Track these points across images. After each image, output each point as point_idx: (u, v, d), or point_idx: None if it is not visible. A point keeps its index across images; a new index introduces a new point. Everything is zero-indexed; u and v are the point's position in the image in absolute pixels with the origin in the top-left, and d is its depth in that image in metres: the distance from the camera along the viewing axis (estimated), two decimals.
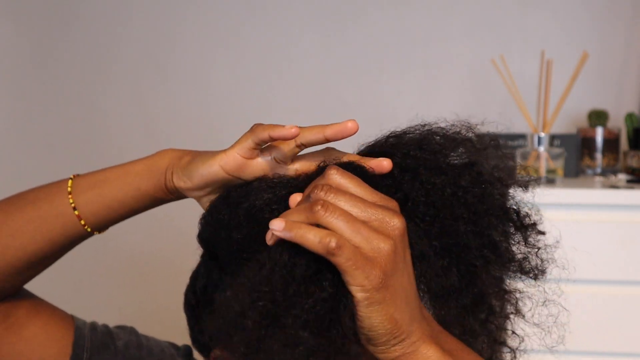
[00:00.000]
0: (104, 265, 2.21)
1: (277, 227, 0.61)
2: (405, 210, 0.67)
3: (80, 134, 2.29)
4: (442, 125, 0.75)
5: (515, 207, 0.75)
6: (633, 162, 1.90)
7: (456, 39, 2.16)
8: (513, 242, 0.75)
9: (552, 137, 1.88)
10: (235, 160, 0.73)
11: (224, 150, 0.74)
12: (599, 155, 1.98)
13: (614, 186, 1.75)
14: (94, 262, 2.14)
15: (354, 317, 0.62)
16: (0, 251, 0.80)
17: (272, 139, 0.71)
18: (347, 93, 2.19)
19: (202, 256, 0.85)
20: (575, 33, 2.12)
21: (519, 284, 0.76)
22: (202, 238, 0.76)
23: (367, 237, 0.60)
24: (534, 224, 0.76)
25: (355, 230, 0.60)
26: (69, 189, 0.80)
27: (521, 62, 2.03)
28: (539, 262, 0.75)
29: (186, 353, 0.94)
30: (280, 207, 0.68)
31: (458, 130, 0.75)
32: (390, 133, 0.75)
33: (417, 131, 0.74)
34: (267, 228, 0.63)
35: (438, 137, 0.74)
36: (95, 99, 2.28)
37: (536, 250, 0.75)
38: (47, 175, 2.26)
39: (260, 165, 0.73)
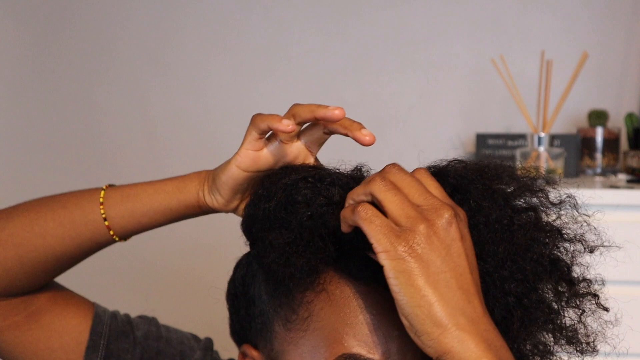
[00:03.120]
0: (111, 265, 2.21)
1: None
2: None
3: (80, 134, 2.29)
4: (518, 169, 0.76)
5: (568, 264, 0.73)
6: (633, 162, 1.90)
7: (456, 39, 2.16)
8: (564, 305, 0.73)
9: (552, 137, 1.88)
10: (247, 156, 0.76)
11: (237, 152, 0.77)
12: (599, 155, 1.98)
13: (614, 186, 1.75)
14: (102, 262, 2.13)
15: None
16: (30, 250, 0.83)
17: (272, 130, 0.75)
18: (347, 93, 2.19)
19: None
20: (575, 33, 2.11)
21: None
22: (244, 223, 0.77)
23: (409, 214, 0.62)
24: (594, 295, 0.74)
25: (399, 204, 0.62)
26: (101, 199, 0.83)
27: (521, 62, 2.03)
28: (588, 337, 0.74)
29: (206, 346, 0.94)
30: (316, 182, 0.71)
31: (533, 177, 0.75)
32: (457, 159, 0.75)
33: (491, 164, 0.75)
34: (300, 201, 0.69)
35: (507, 176, 0.74)
36: (94, 99, 2.28)
37: (584, 322, 0.74)
38: (47, 175, 2.27)
39: (270, 152, 0.77)
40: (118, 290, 2.23)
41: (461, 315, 0.61)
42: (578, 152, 1.95)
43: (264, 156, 0.77)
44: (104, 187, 0.85)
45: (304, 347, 0.71)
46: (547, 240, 0.72)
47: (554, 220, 0.74)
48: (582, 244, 0.74)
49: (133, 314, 0.95)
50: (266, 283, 0.76)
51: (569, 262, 0.74)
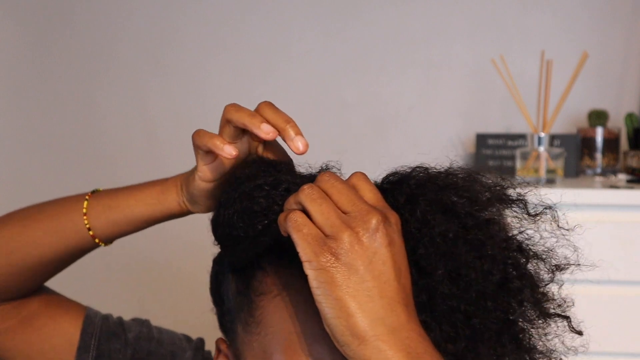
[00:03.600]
0: (105, 265, 2.21)
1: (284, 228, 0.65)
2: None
3: (80, 134, 2.29)
4: (489, 175, 0.74)
5: (525, 283, 0.71)
6: (633, 162, 1.90)
7: (456, 39, 2.16)
8: (527, 325, 0.72)
9: (552, 137, 1.88)
10: (205, 170, 0.79)
11: (195, 167, 0.80)
12: (599, 155, 1.98)
13: (614, 186, 1.75)
14: (96, 261, 2.13)
15: None
16: (21, 258, 0.87)
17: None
18: (347, 93, 2.19)
19: None
20: (575, 33, 2.11)
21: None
22: (211, 220, 0.79)
23: (333, 223, 0.62)
24: (565, 317, 0.74)
25: (324, 213, 0.62)
26: (84, 210, 0.87)
27: (521, 62, 2.03)
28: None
29: (197, 346, 0.95)
30: (271, 189, 0.71)
31: (511, 186, 0.74)
32: (423, 165, 0.74)
33: (457, 172, 0.74)
34: (256, 210, 0.70)
35: (477, 185, 0.73)
36: (94, 99, 2.28)
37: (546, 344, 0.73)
38: (47, 175, 2.27)
39: (222, 161, 0.78)
40: (114, 288, 2.23)
41: (381, 325, 0.60)
42: (578, 152, 1.95)
43: (220, 163, 0.79)
44: (87, 197, 0.87)
45: (256, 350, 0.72)
46: (501, 256, 0.70)
47: (522, 232, 0.73)
48: (544, 262, 0.73)
49: (129, 310, 0.96)
50: (232, 283, 0.78)
51: (531, 280, 0.72)
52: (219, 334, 0.83)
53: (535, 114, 1.87)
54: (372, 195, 0.65)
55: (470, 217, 0.70)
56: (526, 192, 0.74)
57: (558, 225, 0.74)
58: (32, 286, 0.90)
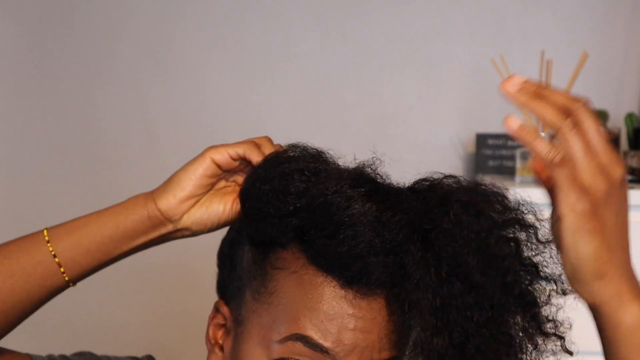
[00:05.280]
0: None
1: (513, 85, 0.65)
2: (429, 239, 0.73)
3: (80, 134, 2.29)
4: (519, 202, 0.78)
5: (537, 301, 0.75)
6: (633, 162, 1.90)
7: (456, 39, 2.16)
8: (526, 341, 0.75)
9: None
10: (224, 153, 0.80)
11: (205, 154, 0.81)
12: None
13: None
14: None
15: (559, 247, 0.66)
16: None
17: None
18: (347, 93, 2.19)
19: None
20: (575, 33, 2.11)
21: None
22: (241, 193, 0.80)
23: (593, 169, 0.64)
24: (559, 337, 0.76)
25: (588, 158, 0.64)
26: (47, 237, 0.81)
27: (521, 62, 2.03)
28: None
29: None
30: (311, 176, 0.75)
31: (523, 211, 0.77)
32: (452, 175, 0.79)
33: (486, 187, 0.77)
34: (292, 192, 0.74)
35: (499, 204, 0.76)
36: (94, 99, 2.28)
37: None
38: (46, 175, 2.27)
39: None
40: (112, 287, 2.23)
41: (625, 272, 0.66)
42: None
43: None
44: (44, 229, 0.83)
45: (264, 318, 0.77)
46: (522, 272, 0.74)
47: (534, 256, 0.76)
48: (556, 284, 0.76)
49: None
50: (249, 253, 0.81)
51: (541, 299, 0.75)
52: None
53: None
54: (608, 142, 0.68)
55: (498, 228, 0.74)
56: (542, 220, 0.76)
57: None
58: None
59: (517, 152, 1.83)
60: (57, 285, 0.81)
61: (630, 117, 1.98)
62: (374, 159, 0.78)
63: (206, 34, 2.24)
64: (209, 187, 0.81)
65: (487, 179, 0.79)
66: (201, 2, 2.23)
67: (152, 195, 0.82)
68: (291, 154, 0.79)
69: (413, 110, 2.14)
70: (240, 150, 0.80)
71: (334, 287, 0.75)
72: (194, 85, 2.25)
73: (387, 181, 0.79)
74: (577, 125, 0.67)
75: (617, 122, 2.05)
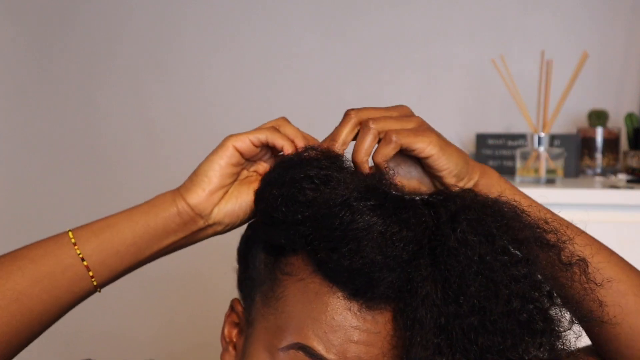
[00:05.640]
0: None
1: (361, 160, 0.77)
2: (433, 255, 0.72)
3: (80, 134, 2.29)
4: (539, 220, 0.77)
5: (547, 329, 0.72)
6: (633, 162, 1.90)
7: (456, 39, 2.16)
8: None
9: (552, 137, 1.88)
10: (245, 140, 0.79)
11: (227, 141, 0.80)
12: (599, 155, 1.98)
13: (614, 186, 1.75)
14: None
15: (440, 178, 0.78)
16: (4, 319, 0.75)
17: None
18: (347, 93, 2.19)
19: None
20: (575, 33, 2.12)
21: None
22: (257, 194, 0.79)
23: (405, 122, 0.80)
24: None
25: (398, 121, 0.80)
26: (73, 240, 0.77)
27: (521, 62, 2.03)
28: None
29: None
30: (321, 185, 0.74)
31: (545, 230, 0.76)
32: (471, 189, 0.80)
33: (505, 204, 0.76)
34: (301, 201, 0.73)
35: (517, 221, 0.75)
36: (94, 99, 2.28)
37: None
38: (46, 175, 2.27)
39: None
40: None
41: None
42: (578, 152, 1.95)
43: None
44: (68, 230, 0.79)
45: (271, 323, 0.76)
46: (534, 297, 0.71)
47: (555, 278, 0.74)
48: (575, 311, 0.74)
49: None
50: (261, 254, 0.80)
51: (557, 327, 0.73)
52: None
53: (535, 114, 1.87)
54: (382, 108, 0.85)
55: (508, 250, 0.72)
56: (564, 241, 0.75)
57: (587, 279, 0.75)
58: (15, 351, 0.77)
59: (517, 152, 1.83)
60: (85, 290, 0.78)
61: (630, 117, 1.98)
62: (388, 169, 0.77)
63: (206, 34, 2.24)
64: (235, 177, 0.79)
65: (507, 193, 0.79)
66: (201, 2, 2.23)
67: (179, 191, 0.78)
68: (306, 156, 0.77)
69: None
70: (262, 137, 0.78)
71: (338, 298, 0.74)
72: (194, 85, 2.25)
73: (400, 193, 0.77)
74: (374, 120, 0.79)
75: (617, 122, 2.06)
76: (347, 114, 0.81)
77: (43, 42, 2.29)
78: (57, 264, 0.76)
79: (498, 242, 0.72)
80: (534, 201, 0.81)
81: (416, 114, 0.84)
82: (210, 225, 0.79)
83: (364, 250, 0.70)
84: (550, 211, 0.81)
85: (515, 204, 0.76)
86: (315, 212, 0.72)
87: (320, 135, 0.83)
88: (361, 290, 0.72)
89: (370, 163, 0.78)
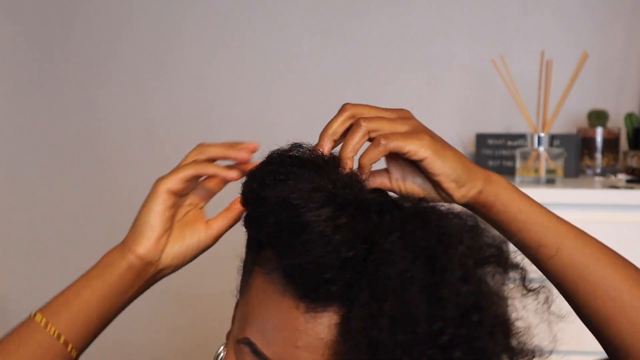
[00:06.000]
0: None
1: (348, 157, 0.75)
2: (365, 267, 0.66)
3: (80, 134, 2.29)
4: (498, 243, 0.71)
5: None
6: (633, 162, 1.90)
7: (456, 39, 2.16)
8: None
9: (552, 137, 1.88)
10: (174, 180, 0.81)
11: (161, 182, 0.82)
12: (598, 155, 1.98)
13: (614, 186, 1.75)
14: None
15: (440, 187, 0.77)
16: None
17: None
18: (347, 93, 2.19)
19: None
20: (575, 33, 2.12)
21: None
22: (247, 178, 0.77)
23: (399, 125, 0.77)
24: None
25: (391, 123, 0.77)
26: (42, 322, 0.79)
27: (521, 62, 2.03)
28: None
29: None
30: (280, 182, 0.71)
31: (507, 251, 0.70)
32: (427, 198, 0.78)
33: (463, 216, 0.71)
34: (264, 193, 0.71)
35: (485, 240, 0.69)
36: (95, 99, 2.28)
37: None
38: (46, 174, 2.27)
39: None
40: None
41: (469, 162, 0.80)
42: (578, 152, 1.95)
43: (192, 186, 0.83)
44: (33, 314, 0.80)
45: (240, 312, 0.77)
46: (456, 322, 0.64)
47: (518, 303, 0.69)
48: (511, 339, 0.68)
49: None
50: (250, 241, 0.79)
51: (480, 355, 0.66)
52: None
53: (535, 114, 1.87)
54: (380, 108, 0.82)
55: (439, 269, 0.66)
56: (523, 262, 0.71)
57: (549, 308, 0.71)
58: None
59: (517, 152, 1.83)
60: None
61: (630, 117, 1.98)
62: (368, 174, 0.76)
63: (206, 34, 2.24)
64: (173, 218, 0.82)
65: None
66: (201, 2, 2.23)
67: (126, 245, 0.81)
68: (291, 153, 0.76)
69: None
70: (189, 172, 0.81)
71: (290, 297, 0.70)
72: (194, 85, 2.25)
73: (367, 191, 0.75)
74: (365, 120, 0.77)
75: (617, 122, 2.06)
76: (342, 107, 0.80)
77: (43, 42, 2.29)
78: (35, 351, 0.79)
79: (427, 257, 0.66)
80: (547, 210, 0.79)
81: (416, 114, 0.83)
82: (159, 271, 0.82)
83: (310, 248, 0.67)
84: (568, 223, 0.80)
85: (478, 219, 0.71)
86: (268, 209, 0.70)
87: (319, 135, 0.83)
88: (310, 290, 0.69)
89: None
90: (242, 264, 0.81)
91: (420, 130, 0.78)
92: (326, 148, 0.77)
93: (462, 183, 0.77)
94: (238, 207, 0.83)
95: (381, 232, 0.68)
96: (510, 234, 0.78)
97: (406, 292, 0.65)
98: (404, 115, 0.81)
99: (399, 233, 0.67)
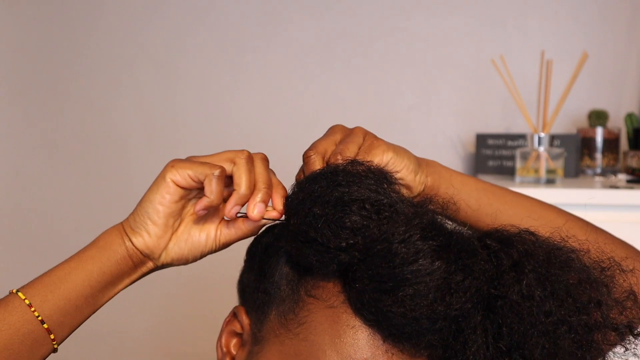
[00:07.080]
0: None
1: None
2: (490, 307, 0.65)
3: (80, 134, 2.29)
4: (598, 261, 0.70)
5: None
6: (633, 162, 1.90)
7: (456, 39, 2.16)
8: None
9: (552, 137, 1.88)
10: (184, 174, 0.71)
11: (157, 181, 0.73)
12: (599, 155, 1.98)
13: (614, 186, 1.75)
14: None
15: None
16: None
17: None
18: (347, 93, 2.19)
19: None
20: (575, 33, 2.12)
21: None
22: (288, 202, 0.72)
23: (351, 143, 0.78)
24: None
25: (345, 144, 0.78)
26: (27, 301, 0.69)
27: (521, 62, 2.03)
28: None
29: None
30: (373, 213, 0.67)
31: (597, 268, 0.68)
32: (529, 230, 0.70)
33: (562, 248, 0.68)
34: (348, 227, 0.66)
35: (577, 266, 0.67)
36: (94, 99, 2.28)
37: None
38: (46, 175, 2.27)
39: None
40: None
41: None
42: (578, 152, 1.95)
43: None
44: (14, 291, 0.71)
45: (287, 348, 0.69)
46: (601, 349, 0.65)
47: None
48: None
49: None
50: (284, 268, 0.73)
51: None
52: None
53: (535, 114, 1.87)
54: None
55: (580, 309, 0.65)
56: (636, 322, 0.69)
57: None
58: None
59: (517, 152, 1.83)
60: (45, 354, 0.70)
61: (630, 117, 1.98)
62: (446, 201, 0.74)
63: (206, 35, 2.24)
64: (180, 213, 0.73)
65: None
66: (201, 3, 2.23)
67: (125, 230, 0.73)
68: (353, 172, 0.70)
69: (413, 110, 2.15)
70: (200, 177, 0.71)
71: (372, 336, 0.66)
72: (194, 86, 2.25)
73: (457, 229, 0.69)
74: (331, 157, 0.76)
75: (617, 122, 2.06)
76: (307, 156, 0.74)
77: (43, 41, 2.29)
78: (14, 333, 0.68)
79: (568, 299, 0.64)
80: (489, 184, 0.86)
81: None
82: (159, 266, 0.75)
83: (424, 297, 0.62)
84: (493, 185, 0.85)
85: (581, 249, 0.68)
86: (367, 244, 0.65)
87: (319, 135, 0.83)
88: (405, 335, 0.64)
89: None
90: (259, 288, 0.75)
91: (371, 138, 0.80)
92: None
93: (416, 171, 0.80)
94: (257, 222, 0.72)
95: (507, 274, 0.65)
96: (458, 205, 0.82)
97: (552, 338, 0.63)
98: (345, 132, 0.80)
99: (532, 275, 0.64)
